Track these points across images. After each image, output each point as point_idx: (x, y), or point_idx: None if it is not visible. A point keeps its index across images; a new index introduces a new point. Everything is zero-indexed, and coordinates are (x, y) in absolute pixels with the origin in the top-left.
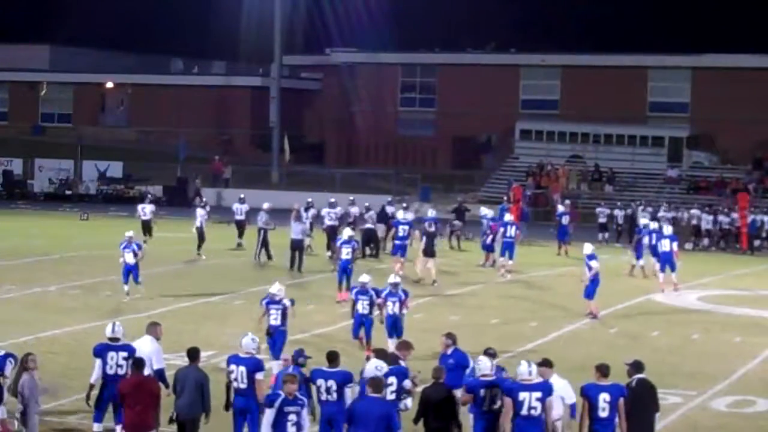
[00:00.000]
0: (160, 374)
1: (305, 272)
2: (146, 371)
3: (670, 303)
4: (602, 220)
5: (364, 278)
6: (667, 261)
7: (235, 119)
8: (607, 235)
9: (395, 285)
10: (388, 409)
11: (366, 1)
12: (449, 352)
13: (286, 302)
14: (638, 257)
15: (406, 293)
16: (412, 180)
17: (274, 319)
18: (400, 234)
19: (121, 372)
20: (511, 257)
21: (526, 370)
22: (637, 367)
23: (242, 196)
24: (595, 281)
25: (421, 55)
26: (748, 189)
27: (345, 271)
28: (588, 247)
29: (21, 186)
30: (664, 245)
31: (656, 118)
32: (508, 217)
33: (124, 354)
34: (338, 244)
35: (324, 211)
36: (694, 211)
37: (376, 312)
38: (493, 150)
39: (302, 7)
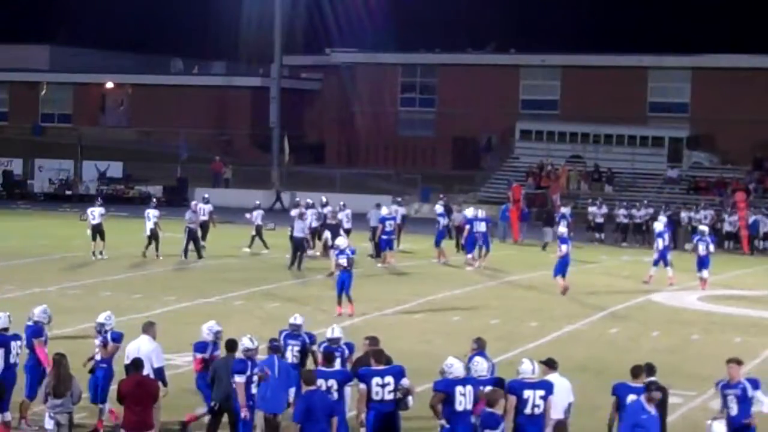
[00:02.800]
0: (159, 372)
1: (305, 271)
2: (145, 371)
3: (669, 303)
4: (599, 220)
5: (297, 320)
6: (705, 260)
7: (235, 119)
8: (603, 235)
9: (336, 340)
10: (329, 400)
11: (366, 1)
12: (470, 355)
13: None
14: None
15: (350, 348)
16: (412, 180)
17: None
18: (387, 229)
19: (17, 361)
20: (472, 249)
21: (530, 369)
22: (646, 370)
23: (206, 195)
24: (562, 261)
25: (421, 55)
26: (748, 189)
27: (343, 283)
28: (561, 230)
29: (21, 186)
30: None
31: (656, 118)
32: (471, 212)
33: (20, 342)
34: (335, 254)
35: (294, 212)
36: (704, 212)
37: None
38: (492, 150)
39: (302, 7)
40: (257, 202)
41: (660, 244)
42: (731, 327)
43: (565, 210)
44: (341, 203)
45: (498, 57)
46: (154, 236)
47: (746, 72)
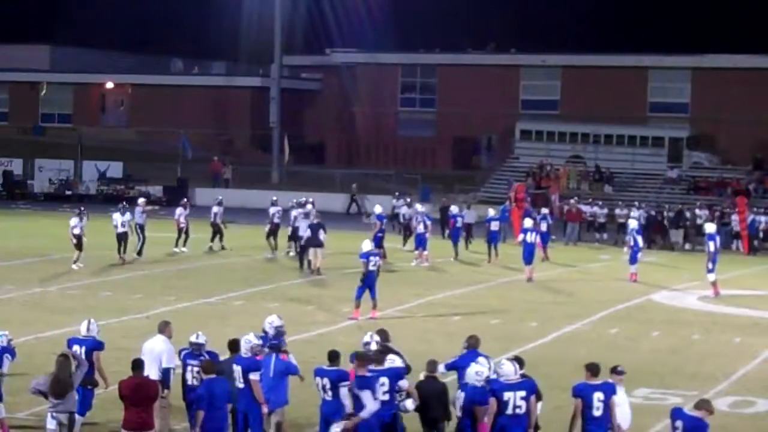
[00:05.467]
0: (165, 373)
1: (306, 270)
2: (153, 369)
3: (670, 304)
4: (602, 220)
5: (199, 338)
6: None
7: (235, 120)
8: (605, 235)
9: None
10: (228, 387)
11: (366, 1)
12: (464, 354)
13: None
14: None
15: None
16: (412, 180)
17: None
18: (381, 227)
19: None
20: (424, 248)
21: (511, 370)
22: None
23: (185, 200)
24: (526, 249)
25: (422, 55)
26: (748, 189)
27: (371, 285)
28: (527, 222)
29: (21, 186)
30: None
31: (656, 118)
32: (421, 208)
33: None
34: (360, 257)
35: (297, 211)
36: (699, 212)
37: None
38: (485, 150)
39: (302, 7)
40: (310, 200)
41: (632, 241)
42: (731, 327)
43: (546, 210)
44: (303, 200)
45: (498, 57)
46: (121, 238)
47: (746, 72)
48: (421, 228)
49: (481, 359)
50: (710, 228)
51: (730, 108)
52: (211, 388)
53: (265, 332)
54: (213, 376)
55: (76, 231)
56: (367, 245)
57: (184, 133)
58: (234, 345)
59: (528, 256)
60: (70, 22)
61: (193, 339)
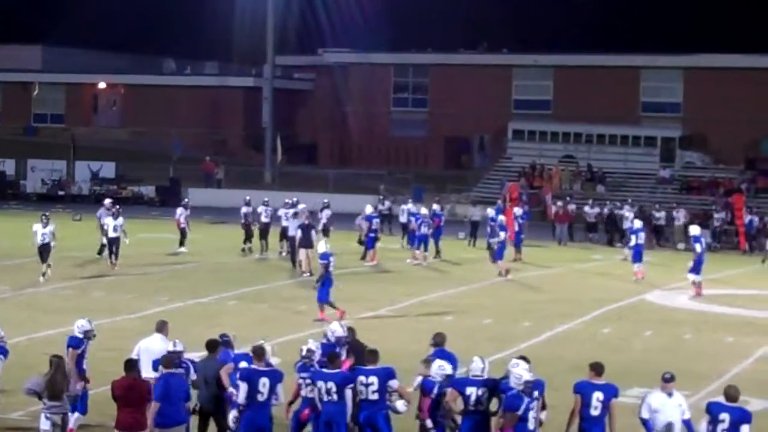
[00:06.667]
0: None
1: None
2: (150, 368)
3: (662, 303)
4: (592, 219)
5: (177, 346)
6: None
7: (227, 120)
8: (597, 236)
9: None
10: (186, 384)
11: (358, 1)
12: (431, 352)
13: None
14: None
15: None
16: (405, 180)
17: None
18: (373, 227)
19: None
20: (426, 249)
21: (525, 369)
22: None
23: (187, 200)
24: (501, 247)
25: (414, 55)
26: (741, 189)
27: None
28: (500, 218)
29: (13, 186)
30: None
31: (649, 118)
32: (419, 209)
33: None
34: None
35: (289, 211)
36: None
37: None
38: (478, 150)
39: (295, 7)
40: (325, 201)
41: (633, 240)
42: (723, 326)
43: (518, 210)
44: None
45: (490, 57)
46: (113, 243)
47: (739, 72)
48: (424, 229)
49: (476, 359)
50: (695, 230)
51: (723, 108)
52: (168, 382)
53: (327, 339)
54: (172, 370)
55: (39, 239)
56: (323, 246)
57: (175, 134)
58: (212, 345)
59: (499, 253)
60: (61, 22)
61: (170, 347)
